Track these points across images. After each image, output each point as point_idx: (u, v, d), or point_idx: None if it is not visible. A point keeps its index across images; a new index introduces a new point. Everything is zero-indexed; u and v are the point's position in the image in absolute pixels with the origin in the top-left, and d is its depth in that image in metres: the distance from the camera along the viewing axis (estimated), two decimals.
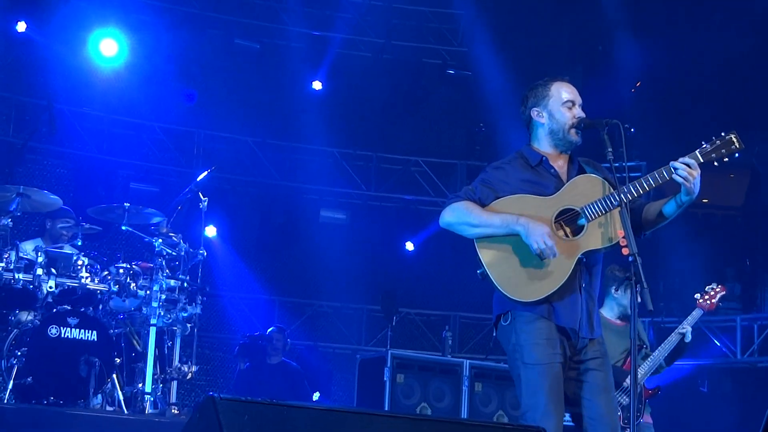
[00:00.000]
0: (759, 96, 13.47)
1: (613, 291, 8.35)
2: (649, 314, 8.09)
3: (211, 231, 13.63)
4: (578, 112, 5.47)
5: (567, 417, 5.48)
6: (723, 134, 5.29)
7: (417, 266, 15.51)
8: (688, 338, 8.20)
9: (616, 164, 5.19)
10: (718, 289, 8.31)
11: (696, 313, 8.24)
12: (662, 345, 8.21)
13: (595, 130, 5.34)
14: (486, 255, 5.33)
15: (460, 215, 5.39)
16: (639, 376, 7.99)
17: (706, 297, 8.29)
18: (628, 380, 7.94)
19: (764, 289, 14.65)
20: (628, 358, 8.06)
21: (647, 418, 8.31)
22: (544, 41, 14.79)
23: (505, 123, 14.12)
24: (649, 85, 14.24)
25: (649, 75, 14.15)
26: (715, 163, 5.28)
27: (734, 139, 5.27)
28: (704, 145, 5.27)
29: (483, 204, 5.37)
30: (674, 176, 5.19)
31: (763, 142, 12.96)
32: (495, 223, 5.29)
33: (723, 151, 5.25)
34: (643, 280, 4.93)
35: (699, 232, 13.26)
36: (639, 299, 4.99)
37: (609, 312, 8.33)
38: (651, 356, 8.17)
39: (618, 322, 8.29)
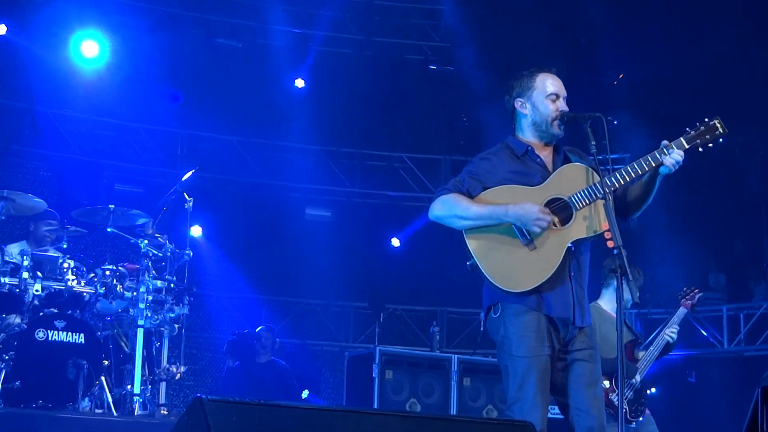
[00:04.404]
0: (742, 86, 13.49)
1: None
2: (635, 306, 8.09)
3: (196, 231, 13.62)
4: (562, 105, 5.48)
5: (556, 409, 5.50)
6: (706, 120, 5.35)
7: (403, 262, 15.51)
8: (674, 339, 8.30)
9: (600, 157, 5.21)
10: (695, 291, 8.52)
11: (681, 312, 8.41)
12: (653, 345, 8.24)
13: (579, 123, 5.36)
14: (475, 246, 5.34)
15: (449, 208, 5.39)
16: (639, 371, 8.07)
17: (687, 297, 8.50)
18: (636, 377, 8.03)
19: (749, 278, 14.69)
20: (627, 352, 8.09)
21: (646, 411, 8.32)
22: (526, 34, 14.75)
23: (488, 117, 14.11)
24: (632, 76, 14.25)
25: (632, 66, 14.16)
26: (700, 149, 5.32)
27: (718, 125, 5.33)
28: (688, 131, 5.32)
29: (471, 196, 5.38)
30: (663, 160, 5.22)
31: (745, 131, 12.99)
32: (484, 214, 5.30)
33: (707, 136, 5.32)
34: (629, 272, 4.95)
35: (684, 222, 13.27)
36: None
37: (608, 304, 8.27)
38: (644, 354, 8.22)
39: (613, 314, 8.14)
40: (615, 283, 8.02)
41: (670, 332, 8.24)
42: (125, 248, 10.02)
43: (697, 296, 8.50)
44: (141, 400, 8.47)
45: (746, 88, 13.33)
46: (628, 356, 8.12)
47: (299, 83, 15.24)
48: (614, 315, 8.18)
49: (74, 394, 8.08)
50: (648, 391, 8.47)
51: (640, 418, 8.11)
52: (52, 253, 8.95)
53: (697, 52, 13.37)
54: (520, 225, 5.22)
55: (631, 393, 8.00)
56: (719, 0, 13.11)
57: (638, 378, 8.06)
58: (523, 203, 5.26)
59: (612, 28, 13.91)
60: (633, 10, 13.96)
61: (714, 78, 13.50)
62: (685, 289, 8.55)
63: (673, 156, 5.22)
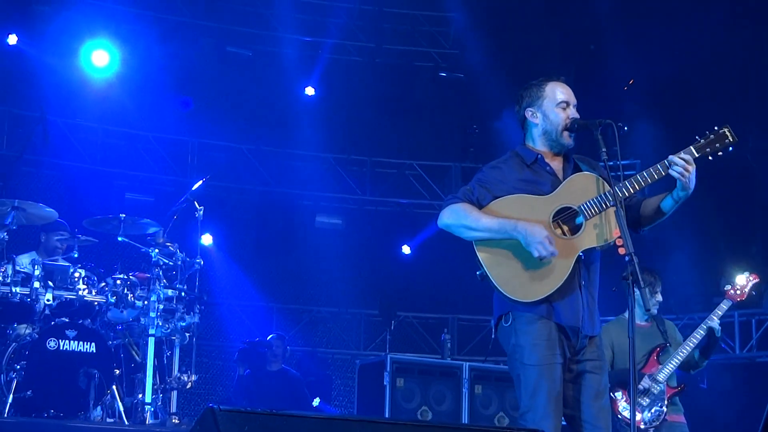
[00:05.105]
0: (752, 90, 13.46)
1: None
2: (646, 313, 7.96)
3: (207, 239, 13.61)
4: (572, 113, 5.47)
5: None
6: (716, 128, 5.32)
7: (414, 270, 15.48)
8: (719, 333, 7.96)
9: (611, 163, 5.20)
10: (751, 278, 8.14)
11: (724, 305, 8.01)
12: (686, 341, 7.99)
13: (589, 130, 5.34)
14: (485, 256, 5.32)
15: (458, 217, 5.37)
16: (662, 376, 7.89)
17: (738, 287, 8.10)
18: (644, 381, 7.87)
19: (760, 284, 14.61)
20: (650, 359, 7.98)
21: (676, 418, 8.05)
22: (536, 41, 14.74)
23: (498, 124, 14.11)
24: (642, 82, 14.22)
25: (642, 72, 14.13)
26: (710, 158, 5.28)
27: (728, 133, 5.29)
28: (698, 140, 5.29)
29: (480, 205, 5.36)
30: (670, 171, 5.19)
31: (756, 136, 12.95)
32: (493, 227, 5.27)
33: (717, 145, 5.28)
34: (641, 279, 4.93)
35: (695, 228, 13.22)
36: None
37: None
38: (673, 355, 7.99)
39: (643, 323, 8.07)
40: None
41: (710, 323, 7.88)
42: (136, 257, 10.02)
43: (752, 282, 8.10)
44: (152, 409, 8.47)
45: (758, 93, 13.31)
46: (651, 361, 7.97)
47: (309, 91, 15.24)
48: (641, 324, 8.09)
49: (86, 403, 8.09)
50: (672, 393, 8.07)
51: (658, 421, 7.88)
52: (63, 262, 8.97)
53: (709, 57, 13.34)
54: (523, 244, 5.20)
55: (645, 399, 7.88)
56: (731, 3, 13.09)
57: (648, 382, 7.89)
58: (534, 222, 5.24)
59: (621, 33, 13.88)
60: (643, 14, 13.93)
61: (725, 83, 13.47)
62: (737, 278, 8.12)
63: (681, 158, 5.19)
